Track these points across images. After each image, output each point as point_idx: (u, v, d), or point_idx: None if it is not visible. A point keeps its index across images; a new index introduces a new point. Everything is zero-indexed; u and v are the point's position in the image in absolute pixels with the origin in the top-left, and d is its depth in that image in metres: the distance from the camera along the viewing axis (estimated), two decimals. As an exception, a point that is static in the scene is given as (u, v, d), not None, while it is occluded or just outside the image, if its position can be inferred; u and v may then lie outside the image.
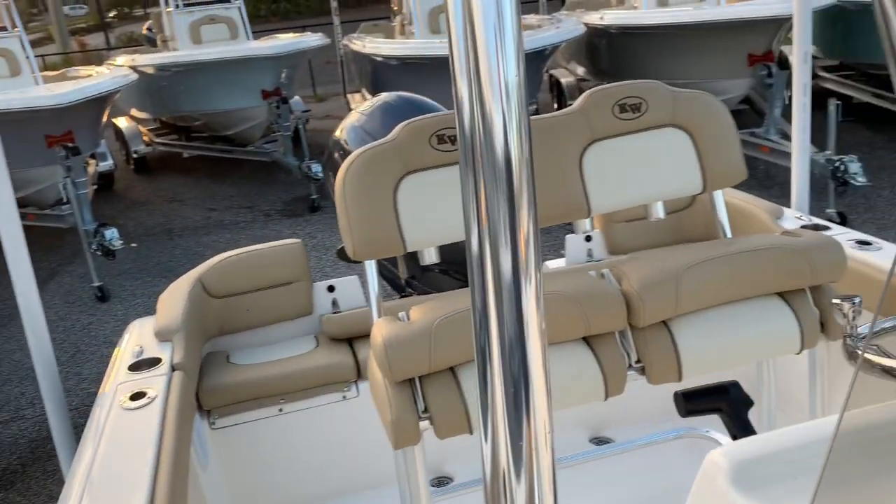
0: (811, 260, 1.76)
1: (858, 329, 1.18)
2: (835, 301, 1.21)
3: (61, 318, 5.75)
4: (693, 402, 1.48)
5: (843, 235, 2.40)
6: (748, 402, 1.50)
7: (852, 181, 5.61)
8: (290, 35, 9.57)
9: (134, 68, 8.19)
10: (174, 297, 2.52)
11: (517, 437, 0.74)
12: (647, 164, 2.02)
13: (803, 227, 2.54)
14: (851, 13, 7.31)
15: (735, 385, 1.52)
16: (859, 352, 1.12)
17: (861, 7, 7.25)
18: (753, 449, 0.84)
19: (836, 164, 5.65)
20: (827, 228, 2.51)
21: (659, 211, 2.09)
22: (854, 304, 1.19)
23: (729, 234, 2.16)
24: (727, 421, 1.51)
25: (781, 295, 1.84)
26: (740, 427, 1.48)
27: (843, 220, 5.58)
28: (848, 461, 0.83)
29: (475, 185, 0.66)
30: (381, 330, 1.71)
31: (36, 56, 8.72)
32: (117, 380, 2.15)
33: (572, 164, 1.99)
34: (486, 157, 0.65)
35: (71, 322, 5.68)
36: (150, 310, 6.05)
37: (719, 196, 2.17)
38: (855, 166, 5.61)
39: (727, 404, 1.49)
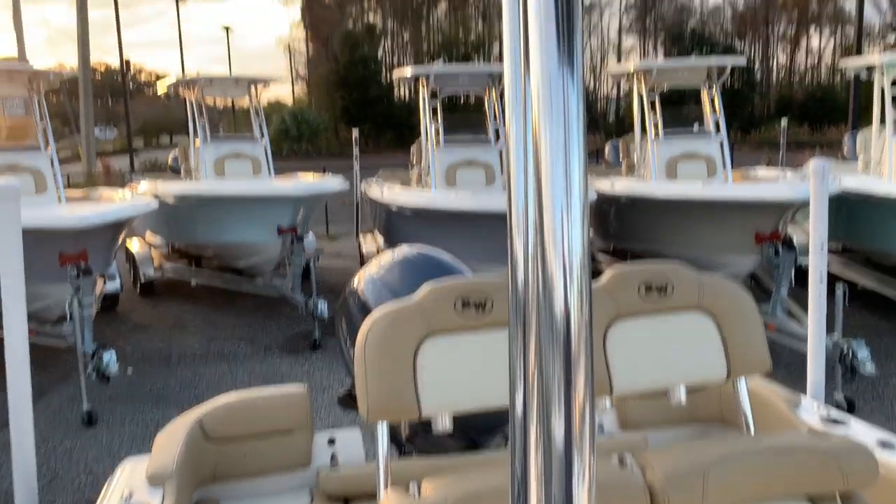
0: (842, 466, 1.70)
1: None
2: None
3: (44, 439, 5.56)
4: None
5: (865, 434, 2.34)
6: None
7: (860, 369, 5.55)
8: (312, 175, 9.86)
9: (156, 196, 8.39)
10: (171, 439, 2.44)
11: None
12: (672, 346, 2.00)
13: (822, 419, 2.48)
14: (853, 202, 7.50)
15: None
16: None
17: (862, 198, 7.45)
18: None
19: (843, 348, 5.60)
20: (846, 423, 2.45)
21: (681, 395, 2.05)
22: None
23: (752, 425, 2.11)
24: None
25: (811, 498, 1.76)
26: None
27: (850, 407, 5.47)
28: None
29: (524, 346, 0.63)
30: None
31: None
32: None
33: (596, 340, 1.97)
34: (543, 318, 0.62)
35: (53, 444, 5.49)
36: (136, 438, 5.85)
37: (742, 385, 2.13)
38: (863, 352, 5.56)
39: None
